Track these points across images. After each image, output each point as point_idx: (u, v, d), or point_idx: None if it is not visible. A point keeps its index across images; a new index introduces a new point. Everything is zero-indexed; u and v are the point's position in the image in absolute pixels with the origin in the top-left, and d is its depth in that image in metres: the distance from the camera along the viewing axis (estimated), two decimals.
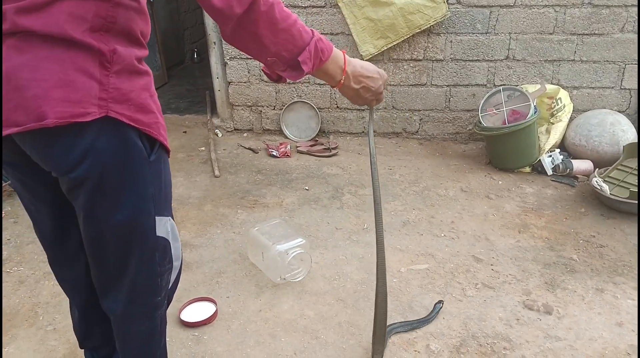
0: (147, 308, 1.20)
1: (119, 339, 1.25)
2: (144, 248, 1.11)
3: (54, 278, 2.08)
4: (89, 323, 1.41)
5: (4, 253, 2.30)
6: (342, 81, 1.21)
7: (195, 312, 1.90)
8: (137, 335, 1.23)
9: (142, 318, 1.21)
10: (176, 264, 1.25)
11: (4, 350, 1.75)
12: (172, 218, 1.20)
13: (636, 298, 1.97)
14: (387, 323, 1.72)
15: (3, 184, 2.70)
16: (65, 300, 1.94)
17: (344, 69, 1.19)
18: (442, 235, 2.43)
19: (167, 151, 1.12)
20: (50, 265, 1.35)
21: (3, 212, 2.63)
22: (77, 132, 0.92)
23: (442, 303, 1.89)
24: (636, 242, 2.35)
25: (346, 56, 1.20)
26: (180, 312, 1.89)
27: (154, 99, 1.04)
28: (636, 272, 2.13)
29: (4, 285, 2.08)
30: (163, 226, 1.13)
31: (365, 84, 1.25)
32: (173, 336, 1.80)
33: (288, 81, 1.15)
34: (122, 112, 0.95)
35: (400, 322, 1.83)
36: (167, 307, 1.35)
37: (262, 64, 1.15)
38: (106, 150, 0.96)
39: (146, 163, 1.03)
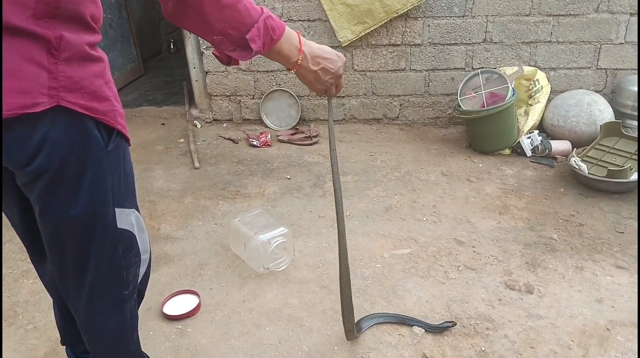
0: (113, 302, 1.16)
1: (87, 338, 1.20)
2: (104, 241, 1.07)
3: (33, 276, 2.07)
4: (67, 319, 1.39)
5: None
6: (299, 61, 1.16)
7: (178, 305, 1.89)
8: (105, 331, 1.19)
9: (109, 313, 1.17)
10: (144, 257, 1.21)
11: None
12: (137, 210, 1.16)
13: (615, 275, 2.01)
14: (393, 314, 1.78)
15: None
16: (44, 298, 1.93)
17: (300, 48, 1.15)
18: (424, 219, 2.44)
19: (127, 140, 1.08)
20: (32, 261, 1.32)
21: None
22: (29, 124, 0.88)
23: (454, 325, 1.74)
24: (614, 220, 2.38)
25: (301, 37, 1.16)
26: (162, 305, 1.87)
27: (110, 85, 1.00)
28: (615, 249, 2.16)
29: None
30: (125, 218, 1.09)
31: (324, 66, 1.21)
32: (156, 330, 1.79)
33: (241, 62, 1.11)
34: (74, 101, 0.91)
35: (397, 314, 1.80)
36: (140, 302, 1.33)
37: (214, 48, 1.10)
38: (61, 141, 0.92)
39: (103, 153, 0.99)
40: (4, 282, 2.05)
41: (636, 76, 3.12)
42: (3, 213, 1.19)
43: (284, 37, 1.11)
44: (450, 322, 1.74)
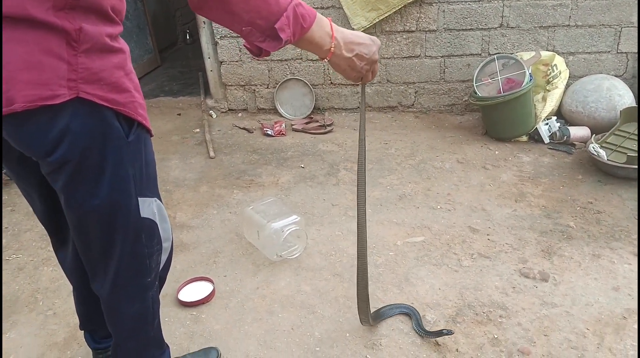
0: (136, 289, 1.20)
1: (109, 321, 1.25)
2: (128, 229, 1.09)
3: (52, 263, 2.12)
4: (87, 305, 1.42)
5: (3, 241, 2.30)
6: (332, 48, 1.11)
7: (193, 292, 1.91)
8: (127, 316, 1.23)
9: (131, 299, 1.21)
10: (166, 245, 1.24)
11: (5, 336, 1.76)
12: (159, 199, 1.18)
13: (633, 263, 1.97)
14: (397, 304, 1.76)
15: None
16: (64, 285, 1.97)
17: (332, 35, 1.09)
18: (439, 207, 2.43)
19: (148, 130, 1.09)
20: (53, 248, 1.36)
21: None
22: (50, 115, 0.90)
23: (450, 333, 1.60)
24: (634, 207, 2.34)
25: (333, 24, 1.12)
26: (178, 292, 1.91)
27: (131, 76, 1.01)
28: (633, 237, 2.13)
29: (3, 272, 2.09)
30: (148, 207, 1.12)
31: (359, 52, 1.15)
32: (172, 316, 1.82)
33: (272, 53, 1.09)
34: (94, 93, 0.92)
35: (406, 306, 1.78)
36: (161, 288, 1.36)
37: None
38: (82, 132, 0.94)
39: (124, 144, 1.01)
40: (25, 270, 2.11)
41: None
42: (28, 202, 1.23)
43: (315, 25, 1.06)
44: (448, 331, 1.61)
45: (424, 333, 1.66)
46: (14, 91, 0.85)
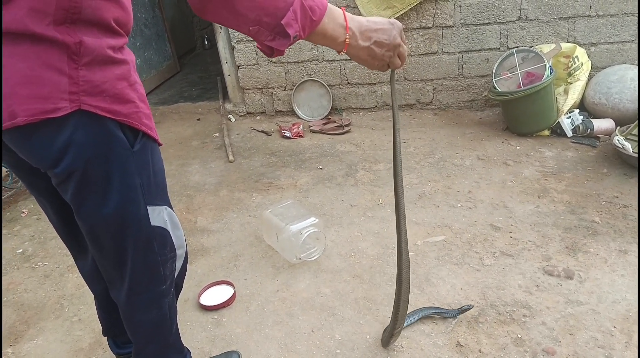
0: (151, 297, 1.21)
1: (128, 328, 1.27)
2: (139, 238, 1.10)
3: (77, 270, 2.15)
4: (108, 312, 1.45)
5: (29, 249, 2.37)
6: (347, 40, 1.04)
7: (214, 296, 1.93)
8: (145, 323, 1.24)
9: (148, 307, 1.22)
10: (180, 252, 1.24)
11: (32, 342, 1.81)
12: (170, 207, 1.19)
13: None
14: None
15: (19, 184, 2.76)
16: (88, 291, 2.00)
17: (347, 26, 1.03)
18: (459, 205, 2.40)
19: (155, 139, 1.09)
20: (72, 257, 1.38)
21: (26, 210, 2.70)
22: (53, 128, 0.91)
23: (470, 308, 1.72)
24: None
25: (347, 13, 1.05)
26: (199, 296, 1.92)
27: (135, 87, 1.01)
28: None
29: (30, 279, 2.15)
30: (158, 215, 1.12)
31: (377, 39, 1.08)
32: (193, 320, 1.84)
33: (286, 53, 1.06)
34: (96, 105, 0.93)
35: (424, 308, 1.77)
36: (178, 295, 1.37)
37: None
38: (86, 143, 0.95)
39: (129, 154, 1.01)
40: (51, 277, 2.16)
41: None
42: (43, 211, 1.25)
43: (327, 17, 1.00)
44: (468, 306, 1.73)
45: (449, 313, 1.72)
46: (16, 105, 0.87)
